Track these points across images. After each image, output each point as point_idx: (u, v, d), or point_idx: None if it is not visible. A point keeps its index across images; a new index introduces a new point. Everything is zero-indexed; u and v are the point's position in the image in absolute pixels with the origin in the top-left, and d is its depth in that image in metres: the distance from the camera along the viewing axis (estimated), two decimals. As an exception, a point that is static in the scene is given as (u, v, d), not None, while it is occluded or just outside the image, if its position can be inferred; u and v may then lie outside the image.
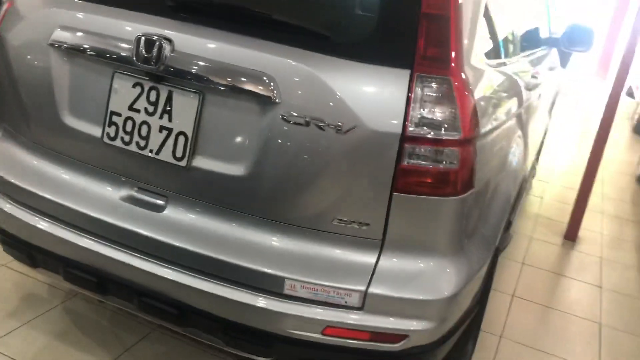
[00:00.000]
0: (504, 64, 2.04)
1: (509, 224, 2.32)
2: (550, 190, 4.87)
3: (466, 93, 1.51)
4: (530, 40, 2.67)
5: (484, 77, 1.71)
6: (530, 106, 2.47)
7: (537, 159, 4.47)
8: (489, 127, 1.68)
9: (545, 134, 4.46)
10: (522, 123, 2.27)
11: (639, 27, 3.49)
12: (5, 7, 1.89)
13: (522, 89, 2.24)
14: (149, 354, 2.20)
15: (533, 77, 2.55)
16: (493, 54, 1.90)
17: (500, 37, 2.04)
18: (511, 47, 2.25)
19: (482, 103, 1.63)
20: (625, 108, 9.07)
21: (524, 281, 3.23)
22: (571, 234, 3.86)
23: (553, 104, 4.26)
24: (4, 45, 1.84)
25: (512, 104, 2.03)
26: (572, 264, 3.58)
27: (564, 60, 4.23)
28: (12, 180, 1.83)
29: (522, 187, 2.68)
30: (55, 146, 1.80)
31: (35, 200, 1.80)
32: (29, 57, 1.77)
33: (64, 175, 1.80)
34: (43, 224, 1.78)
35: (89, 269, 1.74)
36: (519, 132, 2.20)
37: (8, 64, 1.83)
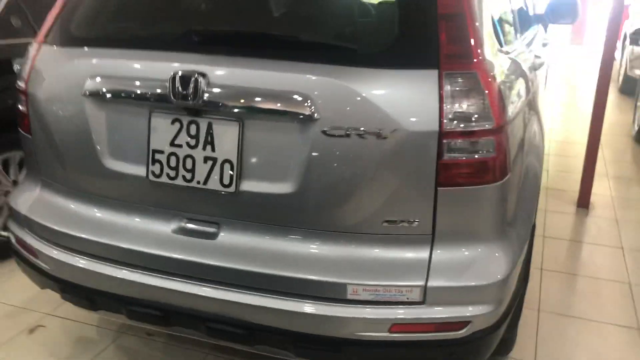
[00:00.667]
0: (512, 50, 2.13)
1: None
2: (553, 162, 4.98)
3: (491, 83, 1.59)
4: (524, 22, 2.76)
5: (502, 66, 1.79)
6: (537, 86, 2.55)
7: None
8: (514, 112, 1.76)
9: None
10: (535, 103, 2.35)
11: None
12: (29, 65, 1.95)
13: (528, 71, 2.32)
14: (208, 378, 2.26)
15: (536, 57, 2.64)
16: (503, 41, 1.98)
17: (505, 24, 2.13)
18: (513, 32, 2.33)
19: (505, 90, 1.71)
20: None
21: (548, 254, 3.32)
22: (583, 201, 3.95)
23: (547, 77, 4.36)
24: (34, 101, 1.89)
25: (525, 88, 2.11)
26: (590, 230, 3.68)
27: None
28: (63, 230, 1.88)
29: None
30: (100, 191, 1.86)
31: (88, 246, 1.85)
32: (63, 109, 1.82)
33: (113, 217, 1.86)
34: (99, 268, 1.83)
35: (151, 303, 1.80)
36: (534, 113, 2.28)
37: (41, 118, 1.88)
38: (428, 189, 1.58)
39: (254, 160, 1.65)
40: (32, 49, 1.98)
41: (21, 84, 1.96)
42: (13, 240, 2.08)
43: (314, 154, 1.58)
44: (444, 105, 1.54)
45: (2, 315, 2.63)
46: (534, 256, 3.24)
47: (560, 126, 6.19)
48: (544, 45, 3.48)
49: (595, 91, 3.76)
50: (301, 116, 1.57)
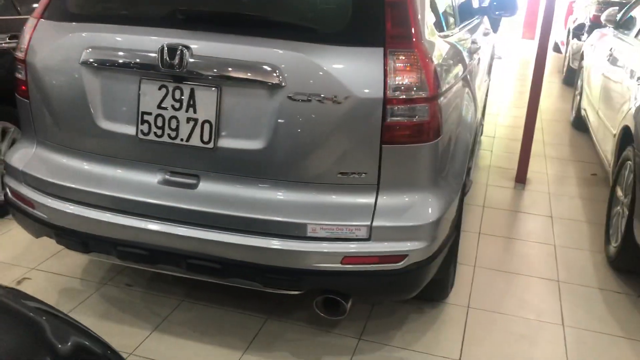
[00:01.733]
0: (450, 34, 2.50)
1: (468, 170, 2.79)
2: (498, 144, 5.43)
3: (427, 60, 1.94)
4: (466, 12, 3.14)
5: (438, 47, 2.14)
6: (473, 68, 2.93)
7: (482, 116, 5.00)
8: (446, 86, 2.12)
9: (487, 93, 4.99)
10: (469, 83, 2.73)
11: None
12: (27, 37, 2.20)
13: (465, 54, 2.70)
14: (183, 319, 2.56)
15: (473, 43, 3.02)
16: (441, 27, 2.34)
17: (445, 12, 2.49)
18: (452, 20, 2.70)
19: (439, 68, 2.07)
20: (554, 63, 9.84)
21: (486, 221, 3.73)
22: (521, 177, 4.40)
23: (490, 65, 4.78)
24: (33, 70, 2.15)
25: (460, 67, 2.48)
26: (524, 201, 4.12)
27: (494, 26, 4.74)
28: (59, 182, 2.16)
29: (475, 139, 3.16)
30: (93, 148, 2.14)
31: (82, 195, 2.13)
32: (61, 76, 2.09)
33: (105, 170, 2.14)
34: (92, 214, 2.12)
35: (138, 244, 2.09)
36: (468, 90, 2.66)
37: (40, 84, 2.14)
38: (374, 147, 1.92)
39: (230, 121, 1.96)
40: (29, 24, 2.23)
41: (20, 55, 2.21)
42: (9, 194, 2.33)
43: (280, 116, 1.91)
44: (388, 77, 1.88)
45: (-10, 269, 2.87)
46: (472, 223, 3.67)
47: (508, 112, 6.67)
48: (485, 34, 3.88)
49: (532, 78, 4.19)
50: (270, 84, 1.89)
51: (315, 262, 1.97)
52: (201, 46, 1.94)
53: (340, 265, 1.97)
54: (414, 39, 1.92)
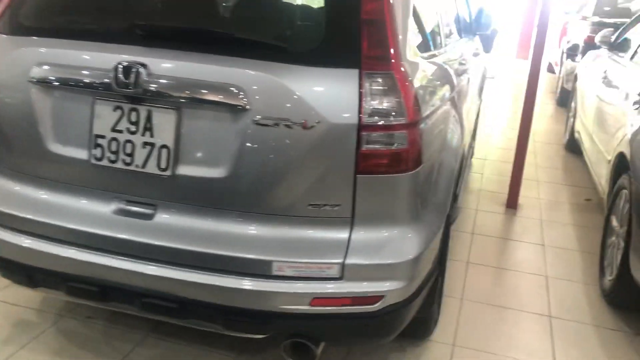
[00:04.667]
0: (435, 55, 2.34)
1: (455, 197, 2.61)
2: (489, 167, 5.27)
3: (407, 83, 1.78)
4: (452, 31, 2.99)
5: (420, 69, 1.98)
6: (461, 90, 2.78)
7: (473, 138, 4.85)
8: (429, 111, 1.96)
9: (478, 115, 4.84)
10: (456, 105, 2.57)
11: (547, 10, 3.89)
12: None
13: (452, 75, 2.54)
14: (147, 357, 2.36)
15: (460, 63, 2.87)
16: (425, 47, 2.18)
17: (429, 32, 2.33)
18: (439, 39, 2.55)
19: (421, 91, 1.90)
20: (548, 83, 9.74)
21: (475, 249, 3.56)
22: (512, 202, 4.23)
23: (482, 86, 4.64)
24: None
25: (445, 90, 2.32)
26: (515, 228, 3.95)
27: (487, 45, 4.62)
28: (5, 210, 1.97)
29: (463, 163, 3.00)
30: (43, 173, 1.96)
31: (29, 225, 1.95)
32: (8, 95, 1.92)
33: (55, 198, 1.96)
34: (40, 246, 1.93)
35: (89, 280, 1.91)
36: (454, 114, 2.50)
37: None
38: (348, 177, 1.75)
39: (189, 146, 1.79)
40: (-21, 37, 2.06)
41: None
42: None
43: (245, 141, 1.73)
44: (363, 101, 1.72)
45: (-59, 299, 2.67)
46: (460, 251, 3.49)
47: (500, 134, 6.53)
48: (475, 54, 3.74)
49: (524, 100, 4.05)
50: (234, 106, 1.72)
51: (282, 304, 1.78)
52: (160, 64, 1.77)
53: (308, 307, 1.78)
54: (392, 60, 1.76)
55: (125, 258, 1.86)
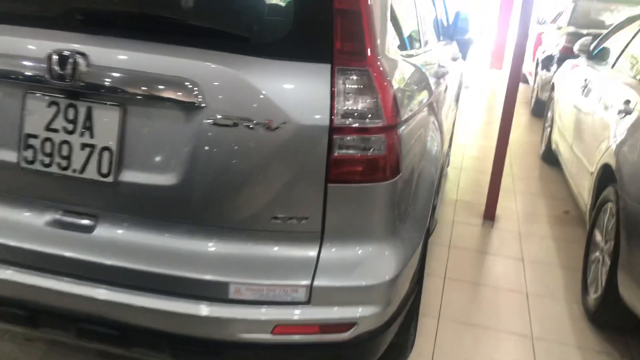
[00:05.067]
0: (414, 54, 2.14)
1: (434, 209, 2.42)
2: (465, 177, 5.11)
3: (385, 82, 1.57)
4: (433, 32, 2.81)
5: (399, 67, 1.78)
6: (440, 94, 2.59)
7: (449, 147, 4.68)
8: (408, 114, 1.75)
9: (454, 123, 4.68)
10: (435, 111, 2.38)
11: (527, 20, 3.73)
12: None
13: (431, 78, 2.35)
14: (90, 386, 2.11)
15: (440, 66, 2.68)
16: (403, 45, 1.98)
17: (408, 30, 2.14)
18: (418, 39, 2.36)
19: (400, 92, 1.70)
20: (522, 93, 9.70)
21: (453, 263, 3.37)
22: (489, 214, 4.07)
23: (458, 93, 4.48)
24: None
25: (425, 93, 2.13)
26: (493, 241, 3.78)
27: (463, 53, 4.47)
28: None
29: (442, 172, 2.81)
30: (-35, 178, 1.69)
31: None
32: None
33: (-21, 207, 1.69)
34: (-40, 262, 1.66)
35: (15, 302, 1.64)
36: (434, 119, 2.31)
37: None
38: (318, 186, 1.53)
39: (135, 148, 1.55)
40: None
41: None
42: None
43: (199, 144, 1.50)
44: (336, 100, 1.51)
45: None
46: (436, 265, 3.30)
47: (475, 143, 6.40)
48: (454, 59, 3.57)
49: (502, 111, 3.89)
50: (187, 104, 1.49)
51: (240, 332, 1.55)
52: (101, 54, 1.53)
53: (271, 336, 1.55)
54: (368, 55, 1.55)
55: (60, 277, 1.61)
